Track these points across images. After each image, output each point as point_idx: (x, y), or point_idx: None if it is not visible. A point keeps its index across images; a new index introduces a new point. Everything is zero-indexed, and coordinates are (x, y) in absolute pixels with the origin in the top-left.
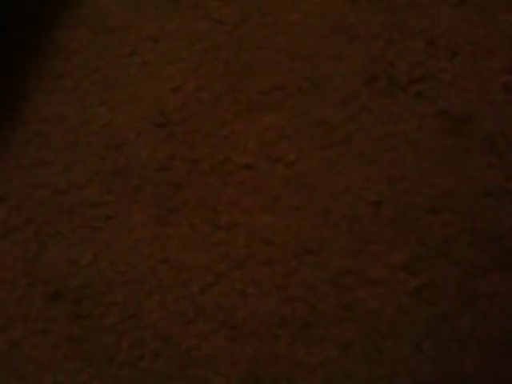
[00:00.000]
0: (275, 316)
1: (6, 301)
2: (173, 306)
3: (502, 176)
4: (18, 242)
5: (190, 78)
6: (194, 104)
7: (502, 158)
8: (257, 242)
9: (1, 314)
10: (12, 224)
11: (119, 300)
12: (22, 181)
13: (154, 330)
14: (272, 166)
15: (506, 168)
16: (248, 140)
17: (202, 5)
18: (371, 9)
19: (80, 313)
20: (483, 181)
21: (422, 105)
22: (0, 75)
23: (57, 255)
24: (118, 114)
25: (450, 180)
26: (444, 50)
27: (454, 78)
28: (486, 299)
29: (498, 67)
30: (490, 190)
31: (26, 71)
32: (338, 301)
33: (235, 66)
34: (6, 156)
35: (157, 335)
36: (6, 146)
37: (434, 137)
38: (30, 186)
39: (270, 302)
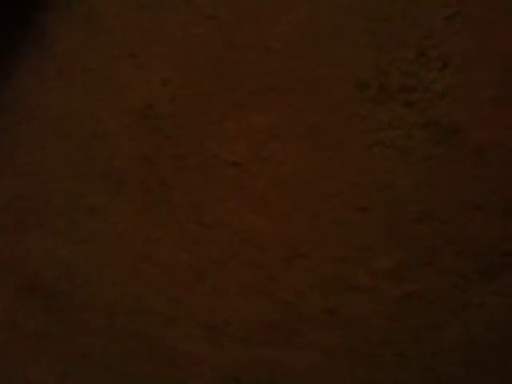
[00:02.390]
0: (258, 318)
1: None
2: (152, 304)
3: (489, 188)
4: None
5: (180, 73)
6: (183, 99)
7: (490, 169)
8: (242, 243)
9: None
10: None
11: (95, 295)
12: (1, 169)
13: (131, 328)
14: (260, 165)
15: (494, 180)
16: (236, 138)
17: (196, 2)
18: (365, 17)
19: (53, 307)
20: (471, 192)
21: (412, 114)
22: None
23: (34, 245)
24: (104, 105)
25: (438, 190)
26: (435, 61)
27: (444, 89)
28: (472, 310)
29: (487, 80)
30: (478, 201)
31: (10, 57)
32: (323, 306)
33: (227, 65)
34: None
35: (134, 334)
36: None
37: (423, 146)
38: (11, 174)
39: (253, 304)
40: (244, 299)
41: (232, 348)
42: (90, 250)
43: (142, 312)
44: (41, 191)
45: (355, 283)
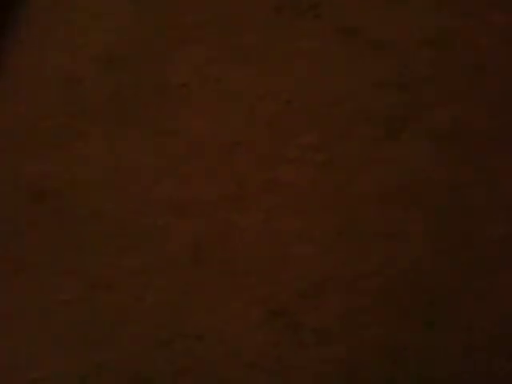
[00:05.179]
0: (209, 193)
1: None
2: (130, 196)
3: (386, 71)
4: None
5: (129, 23)
6: (135, 41)
7: (386, 58)
8: (193, 143)
9: None
10: None
11: (85, 196)
12: None
13: (114, 217)
14: (203, 84)
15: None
16: (182, 65)
17: None
18: None
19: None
20: (371, 75)
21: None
22: None
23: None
24: (72, 57)
25: (343, 78)
26: None
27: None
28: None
29: None
30: (377, 80)
31: None
32: (262, 177)
33: (165, 9)
34: None
35: (120, 222)
36: None
37: (332, 47)
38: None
39: (206, 182)
40: (198, 181)
41: (194, 218)
42: (75, 164)
43: (120, 207)
44: (32, 127)
45: (286, 156)
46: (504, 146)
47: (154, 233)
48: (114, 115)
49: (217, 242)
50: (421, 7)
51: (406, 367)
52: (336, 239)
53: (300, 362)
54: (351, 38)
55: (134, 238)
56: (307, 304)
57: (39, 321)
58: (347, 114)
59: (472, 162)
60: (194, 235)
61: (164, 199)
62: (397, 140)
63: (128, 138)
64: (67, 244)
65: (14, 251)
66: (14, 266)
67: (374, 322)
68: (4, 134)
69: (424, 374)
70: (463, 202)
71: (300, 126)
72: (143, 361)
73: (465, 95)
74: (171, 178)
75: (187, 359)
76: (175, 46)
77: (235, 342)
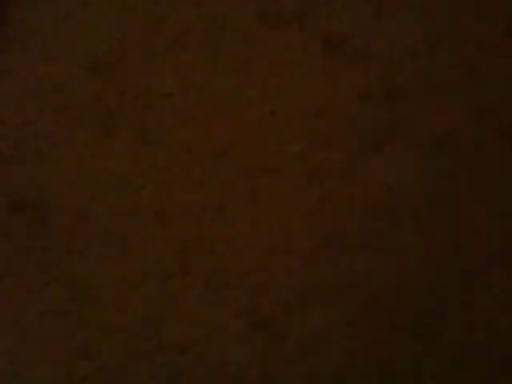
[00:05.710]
0: (194, 202)
1: None
2: (115, 204)
3: (373, 81)
4: None
5: (115, 30)
6: (120, 50)
7: (372, 66)
8: (178, 151)
9: None
10: None
11: (69, 204)
12: None
13: (99, 225)
14: (186, 92)
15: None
16: (166, 73)
17: None
18: None
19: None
20: (357, 87)
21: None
22: None
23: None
24: (58, 63)
25: (328, 89)
26: None
27: (330, 11)
28: (365, 174)
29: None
30: (363, 93)
31: None
32: (246, 187)
33: (150, 17)
34: None
35: (105, 230)
36: None
37: (316, 58)
38: None
39: (191, 192)
40: (182, 190)
41: (178, 227)
42: (59, 170)
43: (108, 210)
44: (17, 135)
45: (271, 166)
46: (491, 159)
47: (138, 242)
48: (100, 123)
49: (201, 253)
50: (407, 19)
51: (394, 380)
52: (321, 251)
53: (285, 375)
54: (337, 48)
55: (117, 247)
56: (292, 316)
57: (20, 332)
58: (332, 125)
59: (459, 174)
60: (178, 245)
61: (149, 208)
62: (382, 152)
63: (113, 146)
64: (51, 253)
65: None
66: None
67: (360, 335)
68: None
69: None
70: (450, 215)
71: (285, 137)
72: (125, 373)
73: (451, 107)
74: (156, 186)
75: (170, 372)
76: (160, 55)
77: (219, 354)
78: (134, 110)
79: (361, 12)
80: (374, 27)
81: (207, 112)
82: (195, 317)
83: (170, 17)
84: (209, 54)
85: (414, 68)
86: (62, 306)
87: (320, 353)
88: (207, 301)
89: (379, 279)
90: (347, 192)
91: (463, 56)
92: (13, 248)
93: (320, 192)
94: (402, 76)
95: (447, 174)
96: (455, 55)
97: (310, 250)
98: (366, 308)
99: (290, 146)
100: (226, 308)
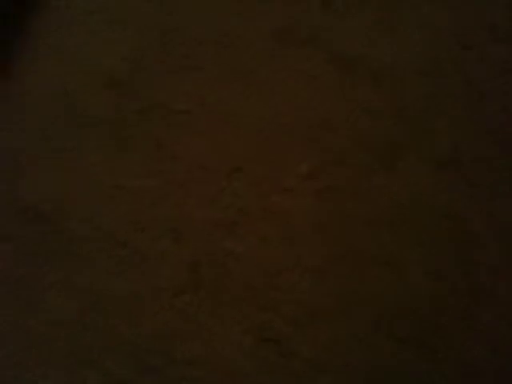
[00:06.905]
0: (207, 218)
1: None
2: (129, 218)
3: (383, 102)
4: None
5: (133, 48)
6: (137, 68)
7: (383, 89)
8: (195, 168)
9: None
10: None
11: (84, 217)
12: None
13: (113, 238)
14: (202, 109)
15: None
16: (181, 91)
17: None
18: None
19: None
20: (370, 103)
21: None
22: None
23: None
24: (77, 79)
25: (341, 106)
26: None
27: (342, 30)
28: (376, 191)
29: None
30: (372, 109)
31: None
32: (260, 204)
33: (167, 35)
34: None
35: (118, 244)
36: None
37: (329, 74)
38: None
39: (204, 208)
40: (199, 206)
41: (191, 245)
42: (74, 184)
43: (119, 221)
44: (30, 149)
45: (283, 185)
46: (503, 173)
47: (151, 256)
48: (115, 138)
49: (212, 268)
50: (418, 38)
51: None
52: (331, 267)
53: None
54: (350, 67)
55: (130, 262)
56: (301, 332)
57: (28, 341)
58: (345, 142)
59: (470, 189)
60: (189, 260)
61: (162, 223)
62: (394, 168)
63: (127, 161)
64: (61, 264)
65: (11, 270)
66: (12, 285)
67: (369, 351)
68: (5, 154)
69: None
70: (461, 230)
71: (297, 153)
72: None
73: (463, 123)
74: (169, 201)
75: None
76: (176, 72)
77: (227, 368)
78: (149, 126)
79: (373, 32)
80: (385, 46)
81: (221, 129)
82: (206, 332)
83: (186, 36)
84: (224, 71)
85: (426, 85)
86: (73, 316)
87: (328, 368)
88: (218, 316)
89: (389, 295)
90: (358, 209)
91: (476, 73)
92: (26, 259)
93: (331, 209)
94: (413, 93)
95: (459, 189)
96: (467, 73)
97: (320, 267)
98: (376, 324)
99: (302, 162)
100: (236, 323)
